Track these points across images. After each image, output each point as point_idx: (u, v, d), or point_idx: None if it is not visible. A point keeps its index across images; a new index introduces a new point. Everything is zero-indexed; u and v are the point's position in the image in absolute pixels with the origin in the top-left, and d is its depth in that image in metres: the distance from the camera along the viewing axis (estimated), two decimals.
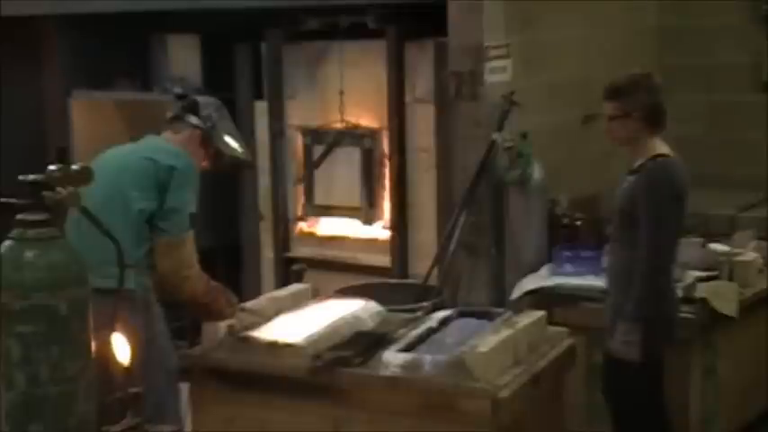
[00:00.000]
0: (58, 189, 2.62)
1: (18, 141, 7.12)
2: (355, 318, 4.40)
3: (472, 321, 4.38)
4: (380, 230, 6.47)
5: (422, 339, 4.18)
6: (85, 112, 7.36)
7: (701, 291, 5.14)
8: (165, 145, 4.52)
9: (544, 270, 5.64)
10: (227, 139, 4.65)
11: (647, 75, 4.60)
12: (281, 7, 6.53)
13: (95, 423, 2.67)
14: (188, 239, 4.36)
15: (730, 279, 5.39)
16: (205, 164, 4.61)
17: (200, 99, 4.70)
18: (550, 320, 4.44)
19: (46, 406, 2.55)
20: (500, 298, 5.66)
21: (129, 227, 4.19)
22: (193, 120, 4.58)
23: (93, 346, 2.64)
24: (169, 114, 4.66)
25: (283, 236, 6.80)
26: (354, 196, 6.51)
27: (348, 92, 6.42)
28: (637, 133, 4.47)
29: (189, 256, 4.36)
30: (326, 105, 6.55)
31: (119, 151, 4.59)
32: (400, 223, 6.36)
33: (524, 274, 5.63)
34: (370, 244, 6.50)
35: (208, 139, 4.58)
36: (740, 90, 7.00)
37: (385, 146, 6.39)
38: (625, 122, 4.47)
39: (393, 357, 3.97)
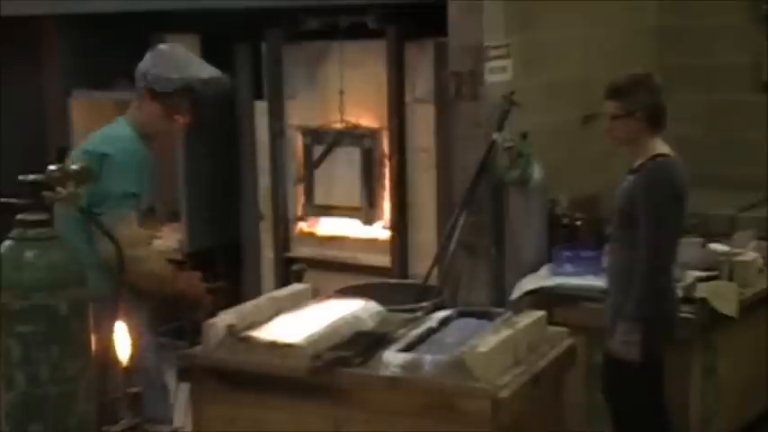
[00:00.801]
0: (58, 189, 2.62)
1: (18, 141, 7.12)
2: (355, 318, 4.39)
3: (472, 321, 4.37)
4: (380, 230, 6.46)
5: (422, 339, 4.17)
6: (85, 112, 7.36)
7: (701, 291, 5.14)
8: (109, 132, 4.43)
9: (544, 270, 5.64)
10: (178, 75, 4.43)
11: (647, 74, 4.60)
12: (281, 7, 6.53)
13: (95, 423, 2.67)
14: (127, 218, 4.20)
15: (730, 279, 5.39)
16: (181, 117, 4.46)
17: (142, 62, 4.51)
18: (550, 320, 4.43)
19: (46, 406, 2.55)
20: (500, 298, 5.66)
21: (80, 227, 4.03)
22: (139, 84, 4.44)
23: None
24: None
25: (283, 236, 6.80)
26: (354, 196, 6.50)
27: (348, 92, 6.41)
28: (638, 133, 4.47)
29: (133, 236, 4.17)
30: (326, 105, 6.55)
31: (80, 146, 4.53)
32: (400, 223, 6.35)
33: (524, 274, 5.63)
34: (370, 244, 6.49)
35: (156, 93, 4.40)
36: (740, 90, 6.99)
37: (385, 146, 6.39)
38: (627, 122, 4.47)
39: (393, 357, 3.96)
